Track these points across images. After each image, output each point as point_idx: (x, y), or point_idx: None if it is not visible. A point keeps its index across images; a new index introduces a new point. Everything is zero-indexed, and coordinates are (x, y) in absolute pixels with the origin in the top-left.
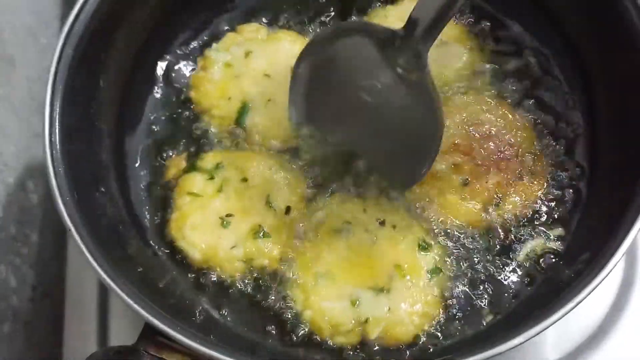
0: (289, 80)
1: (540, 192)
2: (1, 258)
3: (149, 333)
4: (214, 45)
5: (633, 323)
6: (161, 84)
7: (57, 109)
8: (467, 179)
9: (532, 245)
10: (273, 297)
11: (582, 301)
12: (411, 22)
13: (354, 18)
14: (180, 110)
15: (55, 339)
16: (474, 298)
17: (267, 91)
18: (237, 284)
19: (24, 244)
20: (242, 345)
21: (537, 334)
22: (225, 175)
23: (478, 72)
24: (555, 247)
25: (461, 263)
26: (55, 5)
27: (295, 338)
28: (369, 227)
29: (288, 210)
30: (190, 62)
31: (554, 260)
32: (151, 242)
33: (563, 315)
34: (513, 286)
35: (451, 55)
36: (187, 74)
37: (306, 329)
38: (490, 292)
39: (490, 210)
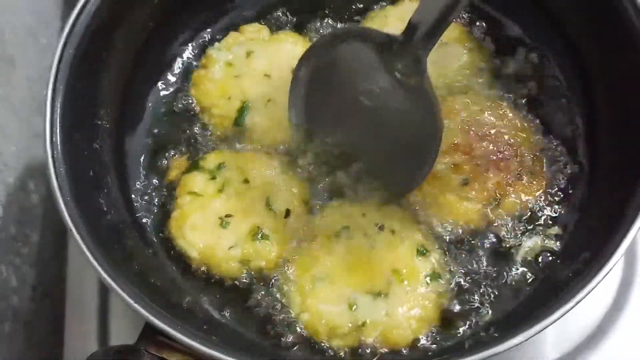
0: (289, 82)
1: (539, 192)
2: (1, 258)
3: (149, 332)
4: (216, 44)
5: (632, 322)
6: (162, 84)
7: (58, 109)
8: (467, 179)
9: (532, 245)
10: (270, 299)
11: (582, 301)
12: (411, 27)
13: (354, 20)
14: (180, 110)
15: (55, 338)
16: (473, 298)
17: (268, 91)
18: (236, 285)
19: (24, 244)
20: (243, 345)
21: (537, 333)
22: (227, 175)
23: (478, 72)
24: (554, 247)
25: (460, 263)
26: (56, 5)
27: (292, 340)
28: (367, 231)
29: (287, 213)
30: (191, 62)
31: (552, 259)
32: (151, 241)
33: (562, 315)
34: (512, 286)
35: (451, 55)
36: (188, 74)
37: (303, 332)
38: (489, 292)
39: (489, 209)
